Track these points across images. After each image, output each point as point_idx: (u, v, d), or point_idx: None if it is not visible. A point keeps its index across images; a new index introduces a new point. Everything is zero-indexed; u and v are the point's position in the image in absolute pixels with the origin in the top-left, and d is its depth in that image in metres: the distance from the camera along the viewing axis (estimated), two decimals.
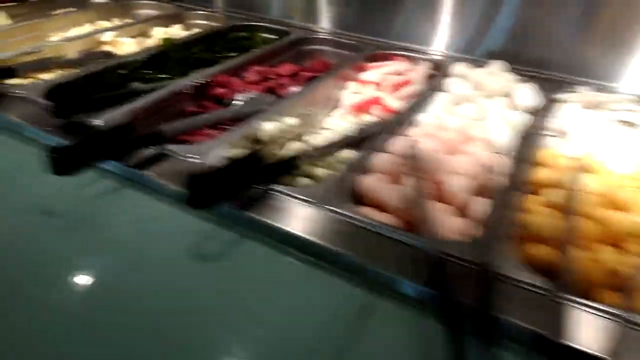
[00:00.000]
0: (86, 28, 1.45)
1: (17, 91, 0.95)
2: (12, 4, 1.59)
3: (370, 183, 0.70)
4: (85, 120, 0.84)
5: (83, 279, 0.61)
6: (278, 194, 0.67)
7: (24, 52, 1.17)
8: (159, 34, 1.41)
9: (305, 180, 0.74)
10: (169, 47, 1.21)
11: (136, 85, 1.02)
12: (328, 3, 1.43)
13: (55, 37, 1.37)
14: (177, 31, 1.44)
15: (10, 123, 0.87)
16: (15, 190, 0.77)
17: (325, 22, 1.45)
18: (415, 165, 0.72)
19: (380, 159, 0.76)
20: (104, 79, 1.04)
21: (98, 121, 0.84)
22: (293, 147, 0.82)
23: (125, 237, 0.67)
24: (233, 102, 0.97)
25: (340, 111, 1.05)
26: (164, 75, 1.10)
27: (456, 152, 0.83)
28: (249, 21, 1.48)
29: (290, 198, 0.67)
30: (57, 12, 1.60)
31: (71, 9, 1.63)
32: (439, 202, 0.69)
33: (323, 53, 1.36)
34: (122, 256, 0.64)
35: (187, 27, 1.51)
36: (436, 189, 0.71)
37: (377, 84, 1.09)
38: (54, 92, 0.96)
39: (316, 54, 1.35)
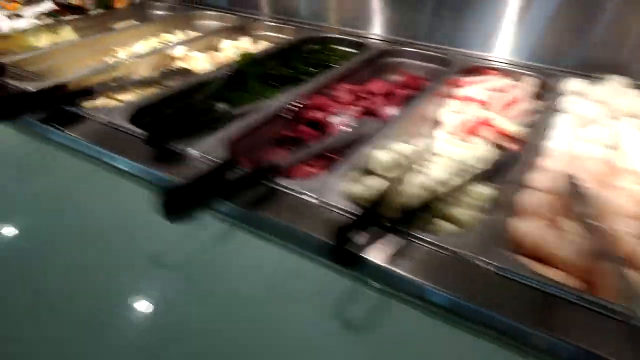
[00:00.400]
0: (152, 42, 1.38)
1: (99, 115, 0.88)
2: (74, 17, 1.55)
3: (530, 229, 0.60)
4: (181, 149, 0.76)
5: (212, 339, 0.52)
6: (422, 243, 0.57)
7: (96, 70, 1.10)
8: (228, 48, 1.33)
9: (446, 225, 0.64)
10: (247, 64, 1.13)
11: (223, 107, 0.94)
12: (394, 11, 1.34)
13: (122, 52, 1.31)
14: (247, 44, 1.36)
15: (101, 153, 0.80)
16: (121, 235, 0.69)
17: (392, 31, 1.35)
18: (578, 205, 0.61)
19: (531, 198, 0.65)
20: (186, 100, 0.96)
21: (195, 151, 0.75)
22: (416, 182, 0.72)
23: (250, 291, 0.58)
24: (340, 128, 0.88)
25: (442, 132, 0.94)
26: (246, 95, 1.02)
27: (606, 186, 0.71)
28: (316, 32, 1.39)
29: (438, 250, 0.57)
30: (120, 24, 1.55)
31: (133, 22, 1.58)
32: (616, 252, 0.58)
33: (407, 66, 1.26)
34: (250, 314, 0.55)
35: (254, 39, 1.43)
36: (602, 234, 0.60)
37: (483, 103, 0.98)
38: (138, 116, 0.88)
39: (400, 68, 1.25)
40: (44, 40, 1.32)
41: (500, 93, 1.01)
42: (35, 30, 1.36)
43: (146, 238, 0.66)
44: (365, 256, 0.54)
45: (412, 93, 1.03)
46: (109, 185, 0.77)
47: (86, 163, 0.81)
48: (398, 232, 0.58)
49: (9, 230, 0.80)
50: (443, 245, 0.57)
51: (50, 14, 1.56)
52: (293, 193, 0.67)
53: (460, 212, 0.65)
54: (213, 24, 1.55)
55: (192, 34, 1.48)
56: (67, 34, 1.38)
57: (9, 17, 1.55)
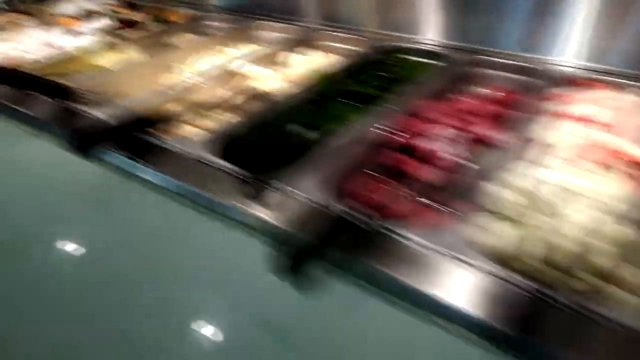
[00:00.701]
0: (214, 57, 1.32)
1: (179, 146, 0.81)
2: (131, 32, 1.51)
3: None
4: (279, 187, 0.68)
5: None
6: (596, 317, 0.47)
7: (166, 93, 1.05)
8: (296, 62, 1.25)
9: (618, 292, 0.53)
10: (323, 82, 1.05)
11: (313, 135, 0.86)
12: (463, 16, 1.22)
13: (186, 69, 1.25)
14: (315, 58, 1.28)
15: (195, 195, 0.73)
16: (227, 287, 0.62)
17: (462, 38, 1.24)
18: None
19: None
20: (269, 127, 0.89)
21: (297, 192, 0.68)
22: (558, 228, 0.61)
23: None
24: (440, 156, 0.79)
25: (558, 161, 0.83)
26: (328, 118, 0.94)
27: None
28: (384, 41, 1.29)
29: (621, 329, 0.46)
30: (177, 39, 1.49)
31: (191, 36, 1.53)
32: None
33: (490, 78, 1.14)
34: None
35: (320, 52, 1.35)
36: None
37: (608, 125, 0.86)
38: (222, 146, 0.82)
39: (481, 79, 1.14)
40: (107, 60, 1.28)
41: (622, 111, 0.89)
42: (98, 49, 1.32)
43: (250, 296, 0.59)
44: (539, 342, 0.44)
45: (509, 111, 0.92)
46: (201, 227, 0.71)
47: (171, 201, 0.75)
48: (554, 301, 0.48)
49: (90, 268, 0.75)
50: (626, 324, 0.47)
51: (108, 30, 1.53)
52: (416, 245, 0.58)
53: (631, 273, 0.54)
54: (273, 35, 1.47)
55: (254, 47, 1.41)
56: (130, 52, 1.34)
57: (69, 34, 1.53)
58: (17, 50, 1.38)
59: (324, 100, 0.99)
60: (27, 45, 1.46)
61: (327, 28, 1.41)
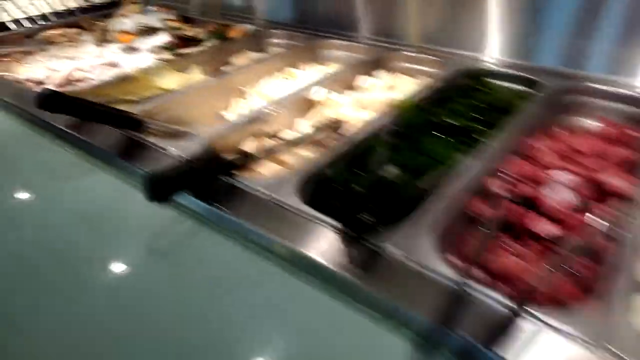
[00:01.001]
0: (284, 81, 1.24)
1: (263, 190, 0.72)
2: (190, 50, 1.45)
3: None
4: (389, 250, 0.59)
5: None
6: None
7: (239, 123, 0.97)
8: (375, 87, 1.15)
9: None
10: (411, 112, 0.95)
11: (409, 179, 0.76)
12: (560, 37, 1.09)
13: (252, 92, 1.18)
14: (398, 83, 1.18)
15: (289, 252, 0.64)
16: None
17: (558, 60, 1.11)
18: None
19: None
20: (358, 166, 0.79)
21: (416, 261, 0.58)
22: None
23: None
24: (567, 213, 0.67)
25: None
26: (422, 157, 0.83)
27: None
28: (466, 62, 1.17)
29: None
30: (237, 58, 1.42)
31: (251, 54, 1.45)
32: None
33: (596, 109, 1.01)
34: None
35: (399, 75, 1.24)
36: None
37: None
38: (309, 190, 0.73)
39: (587, 110, 1.01)
40: (169, 81, 1.21)
41: None
42: (159, 68, 1.26)
43: None
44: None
45: (633, 153, 0.80)
46: (292, 289, 0.62)
47: (250, 251, 0.66)
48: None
49: (151, 322, 0.67)
50: None
51: (166, 46, 1.47)
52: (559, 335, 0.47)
53: None
54: (341, 54, 1.38)
55: (323, 68, 1.32)
56: (193, 72, 1.27)
57: (126, 50, 1.48)
58: (76, 70, 1.33)
59: (415, 133, 0.89)
60: (83, 62, 1.41)
61: (399, 47, 1.30)
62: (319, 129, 0.91)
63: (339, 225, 0.62)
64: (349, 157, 0.81)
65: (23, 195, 0.91)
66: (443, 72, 1.14)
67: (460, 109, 0.98)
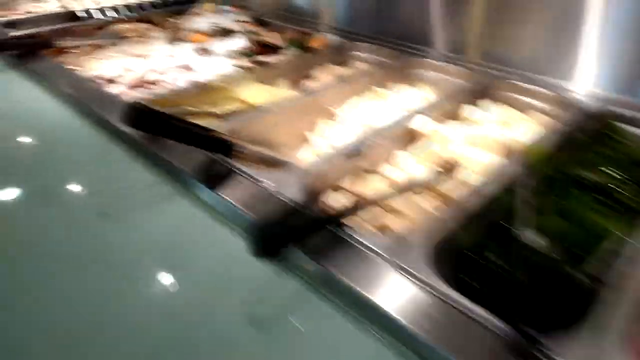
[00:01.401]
0: (378, 103, 1.11)
1: (383, 253, 0.60)
2: (269, 58, 1.34)
3: None
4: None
5: None
6: None
7: (342, 158, 0.84)
8: (485, 120, 1.01)
9: None
10: (541, 161, 0.80)
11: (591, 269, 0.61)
12: None
13: (342, 115, 1.05)
14: (517, 119, 1.03)
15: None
16: None
17: None
18: None
19: None
20: (497, 231, 0.66)
21: None
22: None
23: None
24: None
25: None
26: (567, 223, 0.69)
27: None
28: (588, 100, 1.01)
29: None
30: (318, 71, 1.30)
31: (339, 69, 1.33)
32: None
33: None
34: None
35: (508, 106, 1.10)
36: None
37: None
38: (444, 263, 0.59)
39: None
40: (252, 93, 1.10)
41: None
42: (241, 78, 1.15)
43: None
44: None
45: None
46: None
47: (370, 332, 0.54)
48: None
49: None
50: None
51: (244, 52, 1.37)
52: None
53: None
54: (439, 77, 1.23)
55: (419, 92, 1.18)
56: (279, 86, 1.16)
57: (200, 52, 1.39)
58: (150, 71, 1.24)
59: (549, 190, 0.75)
60: (156, 62, 1.33)
61: (504, 74, 1.15)
62: (437, 172, 0.77)
63: (503, 326, 0.48)
64: (484, 218, 0.67)
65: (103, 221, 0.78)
66: (566, 112, 0.99)
67: (599, 162, 0.83)
